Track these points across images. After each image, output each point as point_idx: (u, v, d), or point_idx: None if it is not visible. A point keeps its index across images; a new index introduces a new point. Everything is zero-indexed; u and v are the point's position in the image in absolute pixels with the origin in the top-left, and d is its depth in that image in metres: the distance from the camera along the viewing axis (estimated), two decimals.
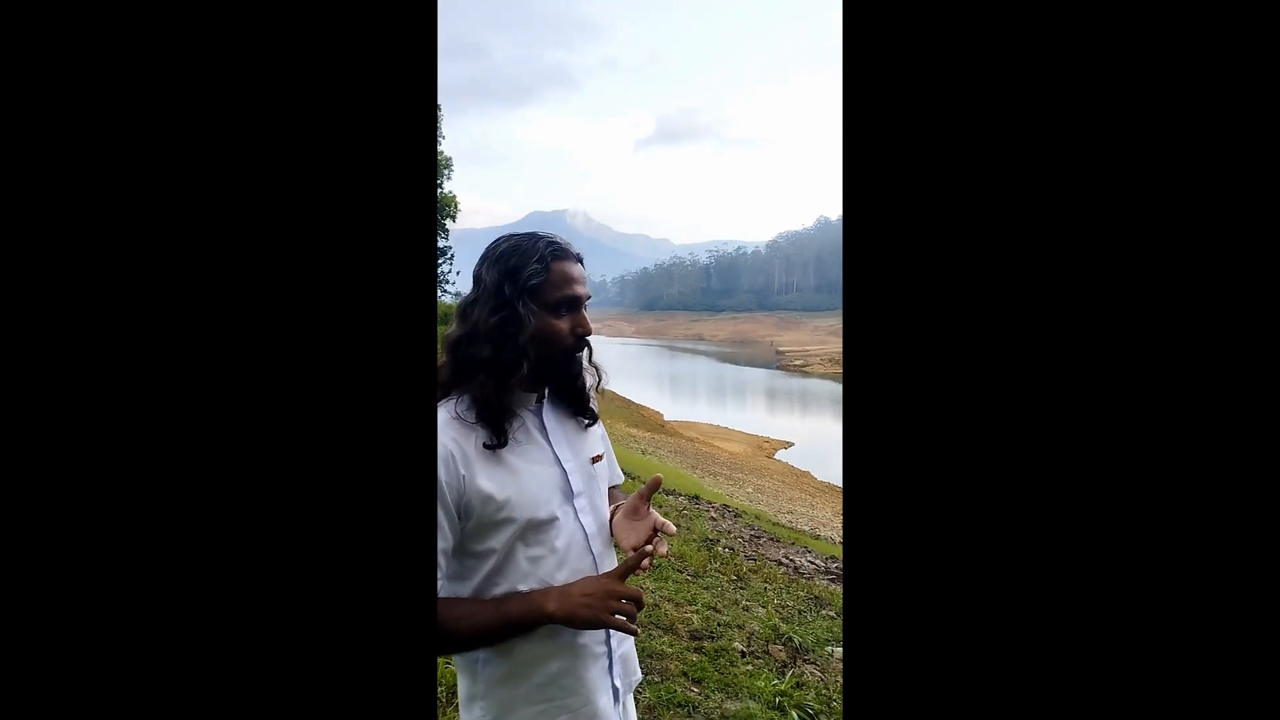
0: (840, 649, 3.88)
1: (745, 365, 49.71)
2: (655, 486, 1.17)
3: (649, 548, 1.11)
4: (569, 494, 1.16)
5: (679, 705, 2.85)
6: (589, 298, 1.18)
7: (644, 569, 1.10)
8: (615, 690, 1.20)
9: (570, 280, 1.14)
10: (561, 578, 1.12)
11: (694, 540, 6.41)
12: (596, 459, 1.24)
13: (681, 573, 4.94)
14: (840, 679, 3.37)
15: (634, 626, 1.10)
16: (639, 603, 1.09)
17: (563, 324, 1.14)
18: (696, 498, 10.20)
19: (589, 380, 1.24)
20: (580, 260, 1.18)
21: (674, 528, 1.15)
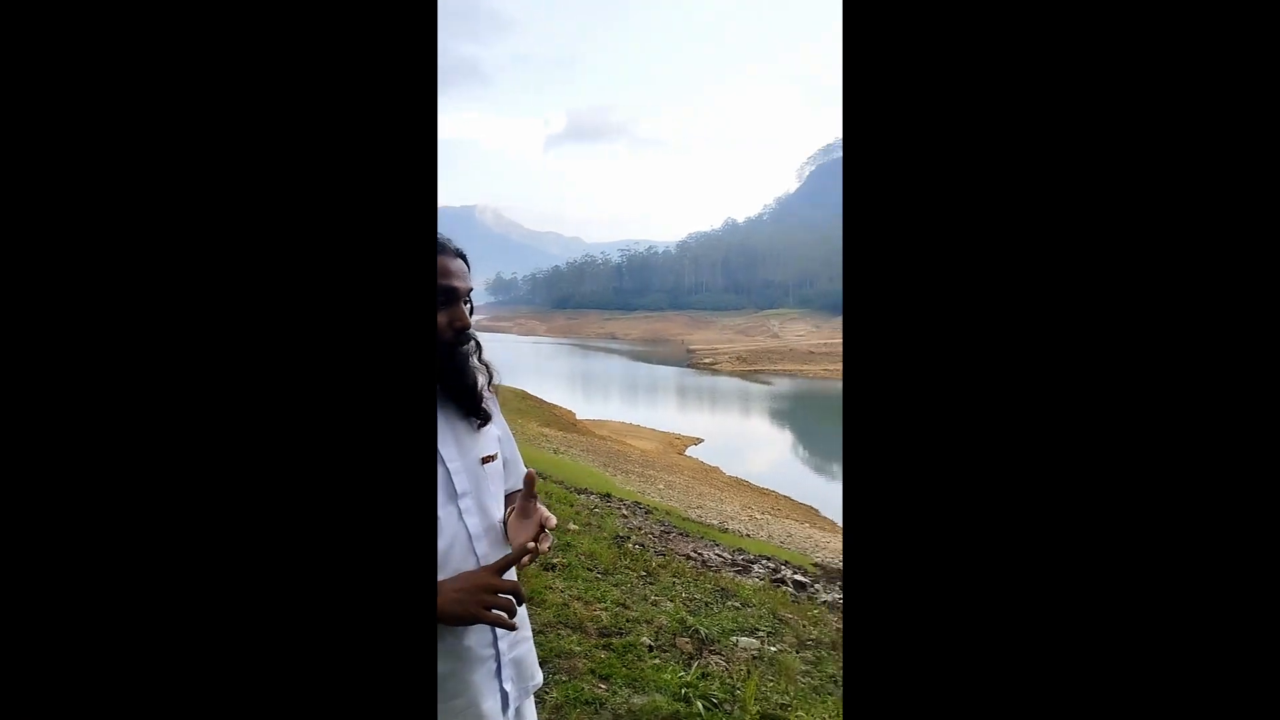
0: (744, 638, 4.00)
1: (657, 364, 50.26)
2: (531, 482, 1.17)
3: (531, 544, 1.10)
4: (452, 494, 1.14)
5: (586, 703, 2.87)
6: (470, 291, 1.18)
7: (525, 564, 1.09)
8: (505, 695, 1.17)
9: (446, 273, 1.13)
10: (441, 579, 1.09)
11: (604, 538, 6.44)
12: (488, 459, 1.22)
13: (591, 571, 4.96)
14: (744, 667, 3.49)
15: (510, 621, 1.07)
16: (518, 596, 1.07)
17: (439, 318, 1.13)
18: (608, 496, 10.24)
19: (480, 379, 1.22)
20: (461, 255, 1.17)
21: (555, 519, 1.14)
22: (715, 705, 2.98)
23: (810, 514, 14.25)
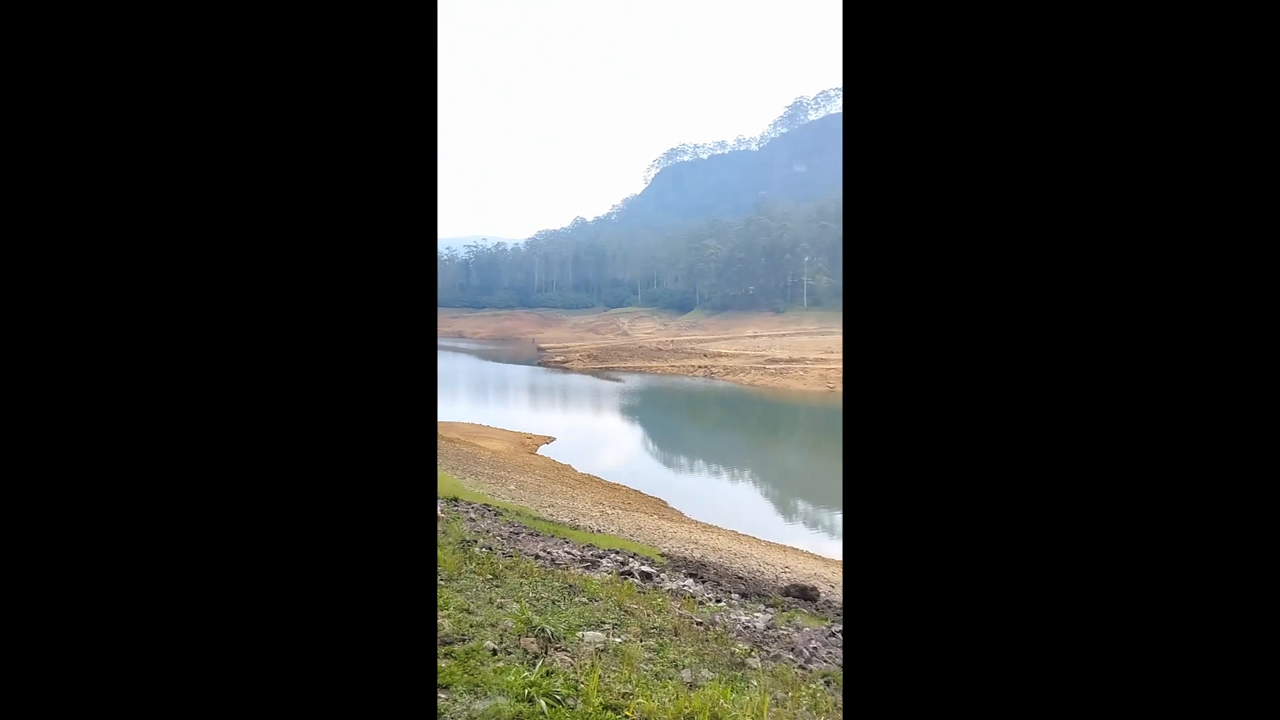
0: (590, 632, 4.06)
1: (508, 362, 49.36)
2: None
3: None
4: None
5: None
6: None
7: None
8: None
9: None
10: None
11: (449, 544, 6.26)
12: None
13: None
14: (589, 661, 3.53)
15: None
16: None
17: None
18: (455, 500, 9.93)
19: None
20: None
21: None
22: (559, 701, 3.00)
23: (659, 506, 14.68)
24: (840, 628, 6.53)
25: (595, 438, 24.33)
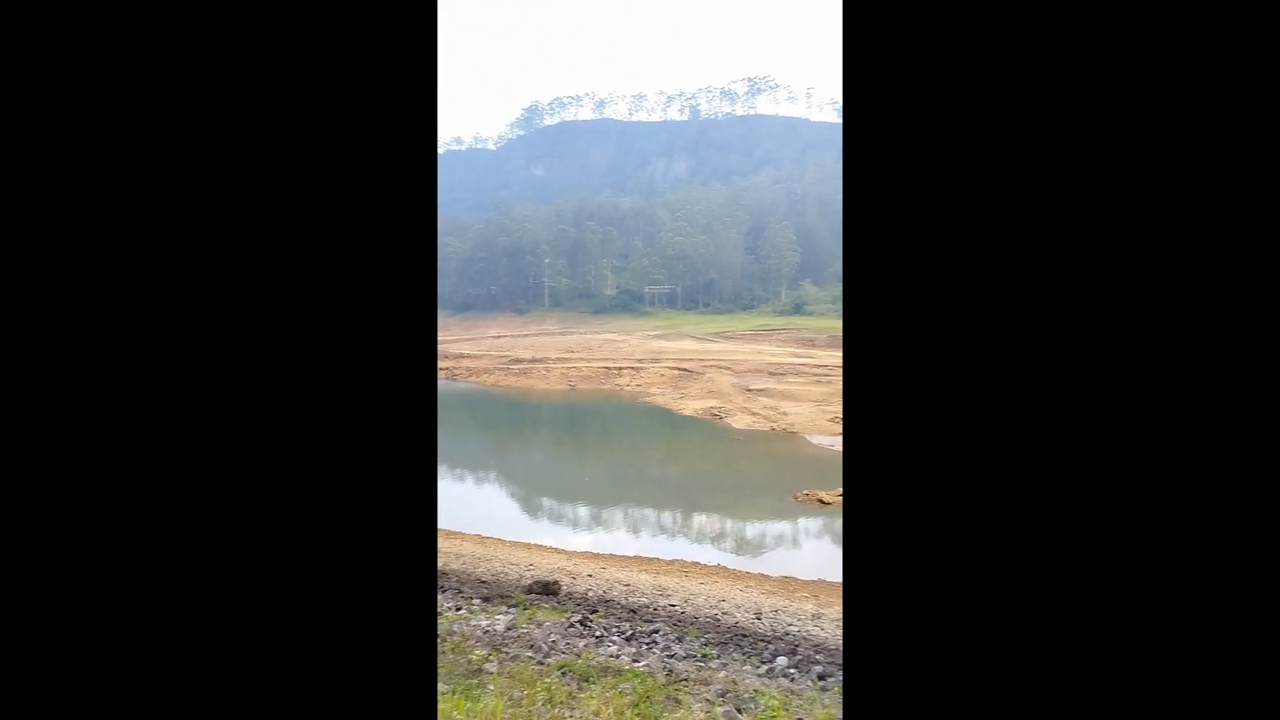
0: None
1: None
2: None
3: None
4: None
5: None
6: None
7: None
8: None
9: None
10: None
11: None
12: None
13: None
14: None
15: None
16: None
17: None
18: None
19: None
20: None
21: None
22: None
23: None
24: (579, 617, 6.72)
25: None
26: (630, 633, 6.48)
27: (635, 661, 5.47)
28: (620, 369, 33.31)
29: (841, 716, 2.96)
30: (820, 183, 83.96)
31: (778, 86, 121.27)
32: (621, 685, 4.27)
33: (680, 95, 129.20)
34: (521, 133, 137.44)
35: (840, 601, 8.60)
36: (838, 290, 60.30)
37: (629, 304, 67.37)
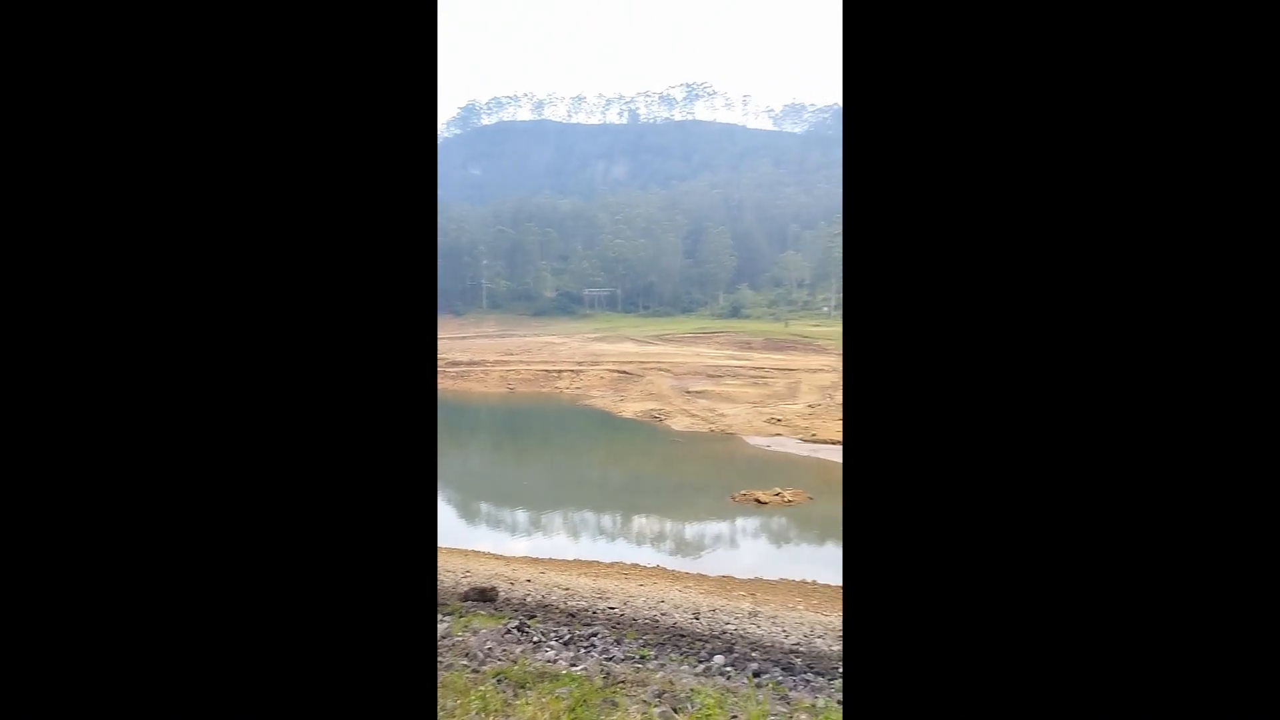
0: None
1: None
2: None
3: None
4: None
5: None
6: None
7: None
8: None
9: None
10: None
11: None
12: None
13: None
14: None
15: None
16: None
17: None
18: None
19: None
20: None
21: None
22: None
23: None
24: (516, 623, 6.63)
25: None
26: (568, 637, 6.44)
27: (573, 666, 5.43)
28: (560, 372, 33.10)
29: (842, 717, 3.18)
30: (756, 189, 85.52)
31: (715, 93, 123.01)
32: (558, 690, 4.23)
33: (619, 99, 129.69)
34: (458, 132, 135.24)
35: (774, 600, 8.76)
36: (774, 294, 61.55)
37: (568, 306, 67.06)
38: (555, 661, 5.52)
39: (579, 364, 34.66)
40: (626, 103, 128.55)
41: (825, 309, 54.38)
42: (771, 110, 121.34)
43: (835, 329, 44.68)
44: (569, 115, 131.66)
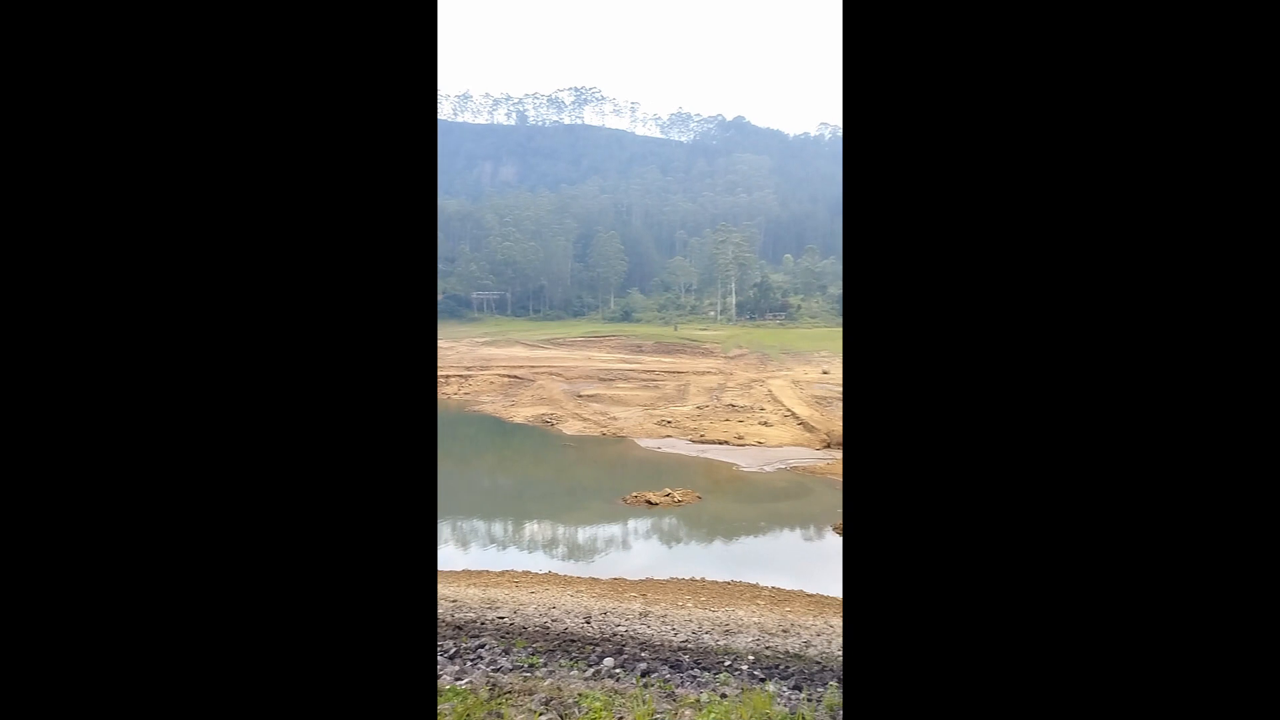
0: None
1: None
2: None
3: None
4: None
5: None
6: None
7: None
8: None
9: None
10: None
11: None
12: None
13: None
14: None
15: None
16: None
17: None
18: None
19: None
20: None
21: None
22: None
23: None
24: (452, 642, 6.37)
25: None
26: (454, 650, 6.25)
27: (457, 680, 5.28)
28: (448, 377, 32.12)
29: (842, 717, 3.20)
30: (645, 195, 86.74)
31: (604, 98, 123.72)
32: (441, 707, 4.10)
33: (507, 99, 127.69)
34: None
35: (665, 599, 8.90)
36: (664, 298, 62.63)
37: (456, 310, 65.26)
38: (439, 677, 5.34)
39: (468, 369, 33.80)
40: (515, 104, 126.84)
41: (712, 313, 55.93)
42: (659, 118, 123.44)
43: (722, 333, 46.09)
44: (455, 113, 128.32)
